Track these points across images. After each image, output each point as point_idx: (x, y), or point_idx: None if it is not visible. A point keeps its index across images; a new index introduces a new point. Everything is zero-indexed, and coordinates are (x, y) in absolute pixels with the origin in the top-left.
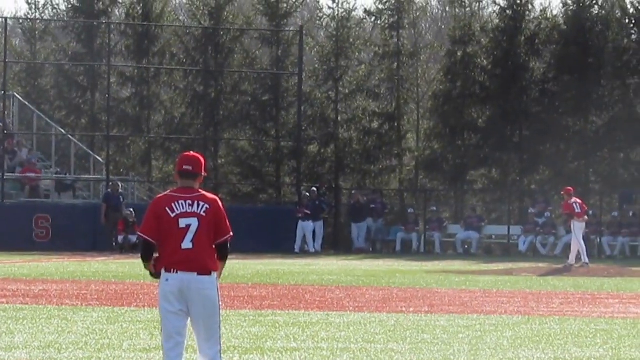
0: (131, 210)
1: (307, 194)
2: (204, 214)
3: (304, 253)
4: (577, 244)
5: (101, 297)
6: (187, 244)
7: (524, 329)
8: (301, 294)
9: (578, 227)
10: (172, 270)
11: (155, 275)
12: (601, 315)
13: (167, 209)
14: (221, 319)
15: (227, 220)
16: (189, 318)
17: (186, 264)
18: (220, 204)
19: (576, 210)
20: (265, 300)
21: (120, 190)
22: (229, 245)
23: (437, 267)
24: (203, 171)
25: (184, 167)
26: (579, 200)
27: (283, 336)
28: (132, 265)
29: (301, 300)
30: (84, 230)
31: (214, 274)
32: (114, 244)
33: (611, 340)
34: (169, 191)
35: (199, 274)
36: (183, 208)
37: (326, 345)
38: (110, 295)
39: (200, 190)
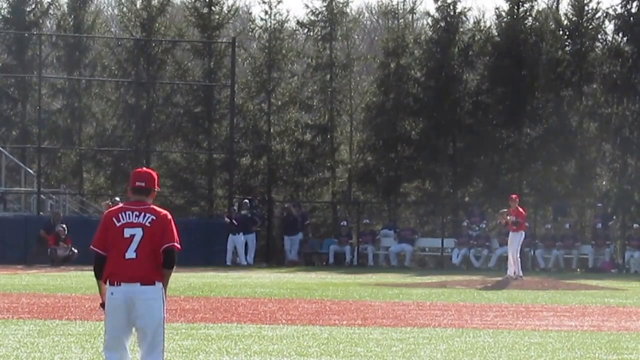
0: (63, 226)
1: (235, 209)
2: (148, 225)
3: (235, 266)
4: (514, 256)
5: (32, 310)
6: (130, 253)
7: (458, 341)
8: (234, 306)
9: (519, 239)
10: (116, 282)
11: (103, 305)
12: (535, 328)
13: (113, 219)
14: (165, 330)
15: (176, 234)
16: (134, 330)
17: (129, 274)
18: (170, 217)
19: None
20: (197, 313)
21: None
22: (175, 255)
23: (370, 279)
24: (156, 186)
25: (137, 183)
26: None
27: (215, 349)
28: (64, 278)
29: (234, 313)
30: (15, 243)
31: (159, 285)
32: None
33: (545, 353)
34: (121, 204)
35: (142, 284)
36: (129, 218)
37: (259, 358)
38: (41, 308)
39: (151, 204)
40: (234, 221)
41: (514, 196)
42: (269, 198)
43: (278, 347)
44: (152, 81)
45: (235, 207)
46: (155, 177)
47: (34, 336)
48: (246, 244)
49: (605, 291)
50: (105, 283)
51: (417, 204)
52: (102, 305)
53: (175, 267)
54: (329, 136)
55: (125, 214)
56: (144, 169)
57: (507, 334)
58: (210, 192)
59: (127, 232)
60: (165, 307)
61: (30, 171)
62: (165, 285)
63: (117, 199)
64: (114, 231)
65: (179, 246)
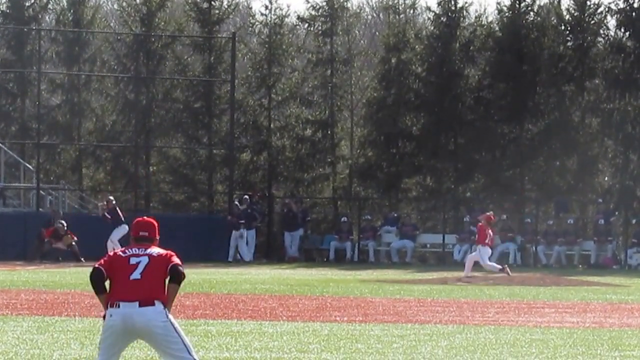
0: (62, 222)
1: (237, 203)
2: (155, 255)
3: (236, 262)
4: (486, 265)
5: (31, 306)
6: (135, 275)
7: (459, 338)
8: (234, 303)
9: (485, 253)
10: (115, 304)
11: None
12: (537, 325)
13: (120, 252)
14: (182, 336)
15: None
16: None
17: (130, 293)
18: (173, 253)
19: (486, 240)
20: (197, 309)
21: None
22: (182, 271)
23: (371, 276)
24: (157, 235)
25: (141, 233)
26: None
27: (216, 346)
28: (63, 274)
29: (234, 310)
30: (14, 239)
31: (160, 305)
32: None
33: (547, 350)
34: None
35: (140, 304)
36: (136, 252)
37: (259, 355)
38: (40, 305)
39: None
40: (240, 220)
41: (490, 217)
42: (269, 194)
43: (278, 343)
44: (152, 76)
45: (238, 202)
46: (156, 226)
47: (33, 332)
48: (247, 240)
49: (607, 288)
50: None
51: (419, 199)
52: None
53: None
54: (329, 132)
55: (132, 249)
56: (145, 218)
57: (509, 331)
58: (211, 188)
59: (133, 260)
60: (171, 319)
61: (30, 167)
62: (170, 303)
63: (111, 197)
64: (120, 261)
65: (184, 272)
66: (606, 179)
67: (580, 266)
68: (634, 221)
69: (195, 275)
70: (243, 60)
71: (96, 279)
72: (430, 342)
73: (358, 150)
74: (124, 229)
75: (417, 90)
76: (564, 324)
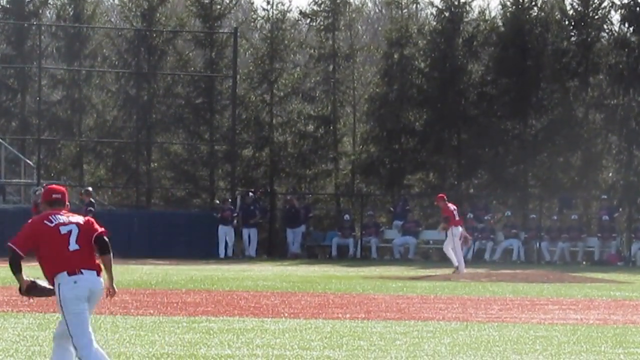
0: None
1: (229, 199)
2: (82, 222)
3: (233, 258)
4: (451, 250)
5: (32, 303)
6: (73, 245)
7: (462, 335)
8: (236, 300)
9: (457, 233)
10: (77, 271)
11: (25, 291)
12: (540, 322)
13: (45, 222)
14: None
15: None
16: None
17: (82, 263)
18: (92, 219)
19: (456, 218)
20: (199, 306)
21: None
22: (107, 239)
23: (373, 272)
24: (67, 200)
25: (54, 196)
26: (455, 207)
27: (217, 343)
28: None
29: (235, 307)
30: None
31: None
32: None
33: (551, 347)
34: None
35: (98, 274)
36: (61, 220)
37: (261, 352)
38: (41, 301)
39: None
40: (233, 214)
41: (442, 195)
42: (271, 190)
43: (280, 340)
44: (153, 72)
45: (230, 199)
46: (66, 191)
47: (34, 329)
48: (249, 237)
49: (611, 284)
50: (53, 277)
51: (421, 196)
52: (27, 290)
53: (173, 259)
54: (331, 127)
55: (55, 217)
56: (54, 185)
57: (512, 328)
58: (212, 184)
59: (64, 230)
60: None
61: (30, 163)
62: (111, 273)
63: (90, 189)
64: (49, 230)
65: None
66: (610, 174)
67: (584, 262)
68: None
69: (197, 272)
70: (245, 55)
71: (16, 263)
72: (433, 339)
73: (360, 146)
74: None
75: (420, 85)
76: (567, 321)
